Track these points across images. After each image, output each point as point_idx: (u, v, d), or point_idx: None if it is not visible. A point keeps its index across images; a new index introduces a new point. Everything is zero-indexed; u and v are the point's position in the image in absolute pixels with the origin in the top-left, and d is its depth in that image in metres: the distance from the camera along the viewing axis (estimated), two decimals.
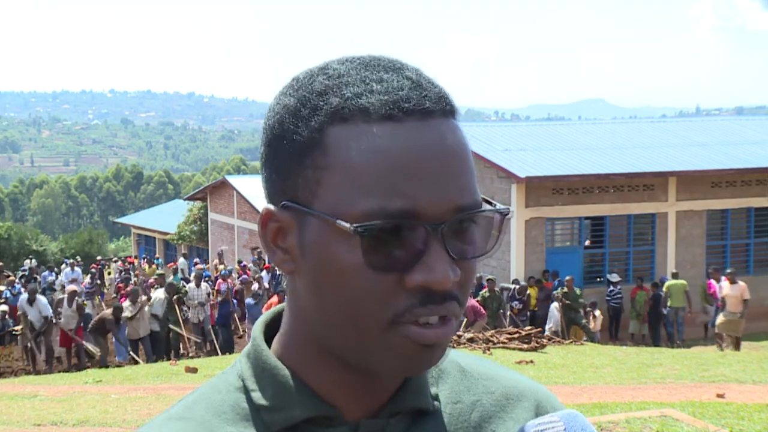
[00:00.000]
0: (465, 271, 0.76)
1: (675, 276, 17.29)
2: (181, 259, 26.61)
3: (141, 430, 0.83)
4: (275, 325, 0.88)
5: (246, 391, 0.83)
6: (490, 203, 0.78)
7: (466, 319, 14.06)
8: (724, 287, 14.70)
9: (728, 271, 14.95)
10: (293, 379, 0.81)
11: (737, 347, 14.50)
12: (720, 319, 14.52)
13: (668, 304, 16.93)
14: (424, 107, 0.75)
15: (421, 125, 0.74)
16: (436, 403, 0.85)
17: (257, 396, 0.82)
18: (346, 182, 0.73)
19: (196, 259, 27.35)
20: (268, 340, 0.87)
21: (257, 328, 0.88)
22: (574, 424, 0.81)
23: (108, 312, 14.21)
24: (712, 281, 16.37)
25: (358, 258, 0.73)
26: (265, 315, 0.90)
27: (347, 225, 0.72)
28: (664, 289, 17.09)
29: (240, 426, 0.81)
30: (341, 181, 0.73)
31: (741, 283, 14.46)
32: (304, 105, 0.76)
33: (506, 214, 0.78)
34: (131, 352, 14.10)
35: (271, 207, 0.79)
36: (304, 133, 0.76)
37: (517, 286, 16.54)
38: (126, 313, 13.98)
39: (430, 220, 0.73)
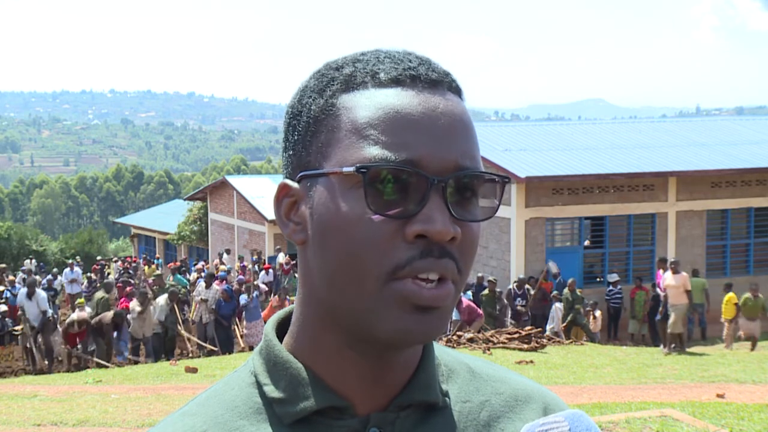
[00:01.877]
0: (465, 235, 0.78)
1: (695, 273, 17.29)
2: (225, 255, 25.90)
3: (155, 427, 0.85)
4: (287, 323, 0.90)
5: (258, 385, 0.84)
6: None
7: (461, 321, 14.07)
8: (666, 277, 13.74)
9: (671, 260, 13.95)
10: (305, 371, 0.82)
11: (682, 347, 13.46)
12: (672, 318, 13.38)
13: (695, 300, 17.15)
14: (430, 77, 0.79)
15: (427, 91, 0.79)
16: (446, 399, 0.86)
17: (270, 389, 0.83)
18: (354, 136, 0.77)
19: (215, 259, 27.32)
20: (281, 339, 0.88)
21: (269, 325, 0.89)
22: (579, 424, 0.81)
23: (109, 316, 14.23)
24: (660, 271, 15.32)
25: (361, 206, 0.75)
26: (278, 314, 0.92)
27: (351, 168, 0.75)
28: None
29: (252, 419, 0.82)
30: (349, 137, 0.77)
31: (683, 274, 13.57)
32: (321, 80, 0.82)
33: (507, 182, 0.82)
34: (130, 356, 14.12)
35: (287, 181, 0.83)
36: (320, 103, 0.80)
37: (516, 283, 16.54)
38: (137, 310, 14.06)
39: (432, 174, 0.75)
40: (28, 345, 14.48)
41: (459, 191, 0.78)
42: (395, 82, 0.78)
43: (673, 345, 13.44)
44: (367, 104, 0.77)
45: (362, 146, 0.76)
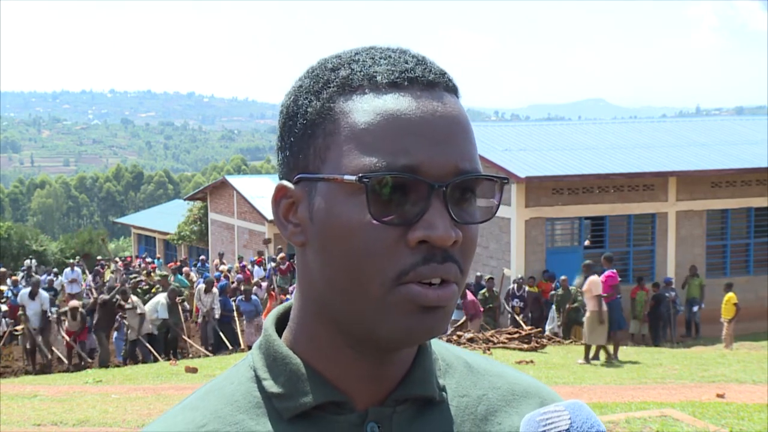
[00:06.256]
0: (465, 236, 0.78)
1: (693, 272, 18.34)
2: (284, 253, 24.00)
3: (156, 421, 0.86)
4: (286, 318, 0.90)
5: (258, 380, 0.85)
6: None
7: (465, 316, 14.09)
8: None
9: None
10: (304, 367, 0.83)
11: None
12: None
13: (690, 295, 17.95)
14: (428, 79, 0.79)
15: (425, 94, 0.79)
16: (443, 393, 0.87)
17: (269, 384, 0.84)
18: (353, 142, 0.77)
19: (203, 257, 27.35)
20: (280, 333, 0.89)
21: (269, 320, 0.90)
22: (579, 414, 0.82)
23: (104, 297, 14.34)
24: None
25: (363, 213, 0.76)
26: (277, 309, 0.93)
27: (352, 177, 0.75)
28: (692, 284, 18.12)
29: (252, 413, 0.83)
30: (348, 142, 0.77)
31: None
32: (316, 81, 0.81)
33: (505, 183, 0.82)
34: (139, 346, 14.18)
35: (284, 182, 0.83)
36: (316, 106, 0.80)
37: (515, 284, 16.58)
38: (138, 311, 14.10)
39: (432, 180, 0.76)
40: (27, 346, 14.48)
41: (459, 194, 0.79)
42: (393, 85, 0.78)
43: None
44: (365, 109, 0.77)
45: (361, 153, 0.76)
